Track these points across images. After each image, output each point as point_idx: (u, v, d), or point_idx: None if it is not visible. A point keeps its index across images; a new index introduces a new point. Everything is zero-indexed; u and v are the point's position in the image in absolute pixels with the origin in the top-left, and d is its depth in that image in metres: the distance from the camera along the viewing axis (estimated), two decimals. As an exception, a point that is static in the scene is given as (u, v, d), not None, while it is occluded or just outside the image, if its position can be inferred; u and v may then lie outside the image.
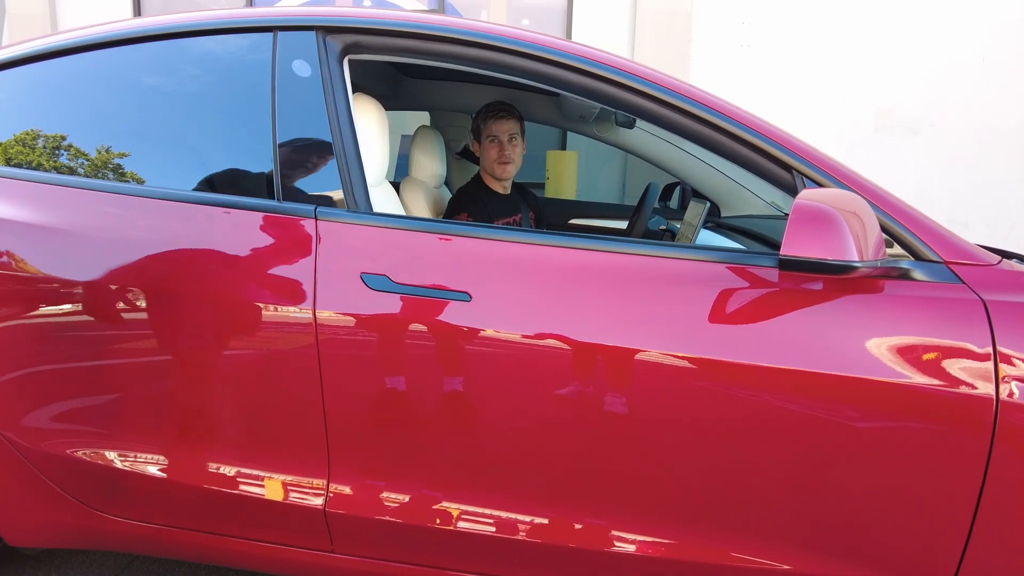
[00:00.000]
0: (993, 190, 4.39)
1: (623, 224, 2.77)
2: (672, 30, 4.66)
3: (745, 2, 4.58)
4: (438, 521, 1.29)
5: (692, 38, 4.62)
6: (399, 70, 2.46)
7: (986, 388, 1.12)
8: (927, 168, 4.39)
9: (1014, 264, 1.26)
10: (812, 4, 4.49)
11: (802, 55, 4.50)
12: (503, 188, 2.21)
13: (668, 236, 2.26)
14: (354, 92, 1.68)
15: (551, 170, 4.31)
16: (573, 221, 2.87)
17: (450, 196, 2.32)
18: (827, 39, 4.47)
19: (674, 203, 2.82)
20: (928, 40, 4.38)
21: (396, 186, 2.23)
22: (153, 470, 1.36)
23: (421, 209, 2.13)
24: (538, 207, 2.45)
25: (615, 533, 1.25)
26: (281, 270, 1.27)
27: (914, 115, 4.44)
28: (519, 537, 1.27)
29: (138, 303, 1.31)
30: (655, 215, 2.34)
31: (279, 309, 1.27)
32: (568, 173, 4.30)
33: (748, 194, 2.40)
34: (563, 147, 4.90)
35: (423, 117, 2.93)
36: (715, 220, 2.46)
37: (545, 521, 1.27)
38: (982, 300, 1.15)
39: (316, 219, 1.29)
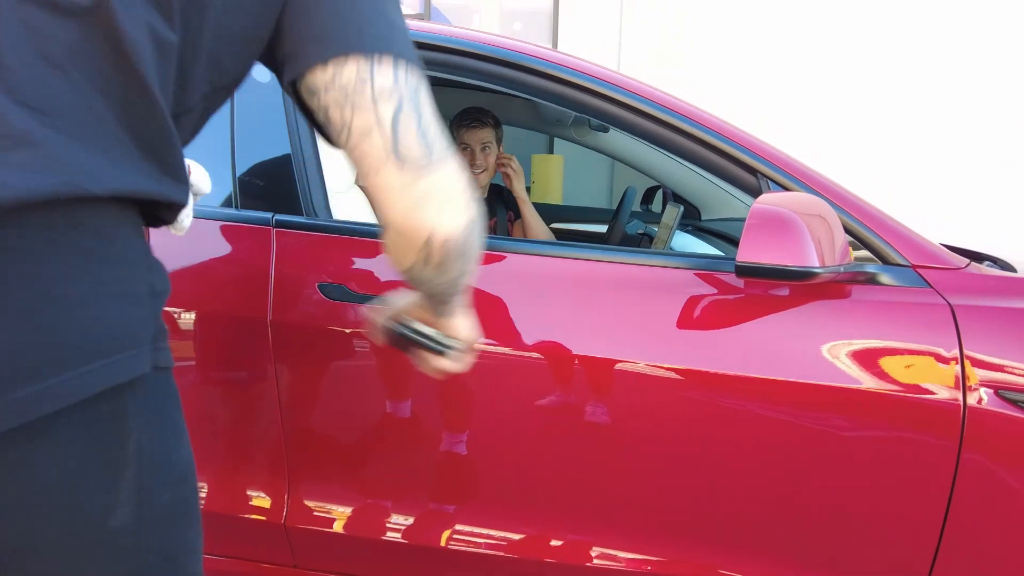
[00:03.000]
0: (981, 190, 4.39)
1: (605, 228, 2.75)
2: (659, 34, 4.65)
3: (732, 5, 4.57)
4: (404, 535, 1.27)
5: (679, 41, 4.61)
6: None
7: (953, 394, 1.10)
8: (916, 168, 4.39)
9: (982, 267, 1.25)
10: (798, 7, 4.48)
11: (789, 57, 4.49)
12: (478, 193, 2.20)
13: (647, 240, 2.24)
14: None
15: (537, 174, 4.30)
16: (555, 225, 2.85)
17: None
18: (814, 41, 4.47)
19: (656, 206, 2.80)
20: (915, 40, 4.38)
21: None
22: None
23: (396, 215, 2.11)
24: (517, 206, 2.42)
25: (596, 549, 1.22)
26: (237, 280, 1.25)
27: (902, 115, 4.43)
28: (491, 552, 1.24)
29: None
30: (634, 219, 2.32)
31: (234, 320, 1.24)
32: (554, 177, 4.28)
33: (728, 197, 2.38)
34: (550, 151, 4.88)
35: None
36: (694, 223, 2.44)
37: (519, 537, 1.24)
38: (949, 304, 1.14)
39: (273, 227, 1.26)
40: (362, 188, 0.65)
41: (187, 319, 1.26)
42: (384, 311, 0.84)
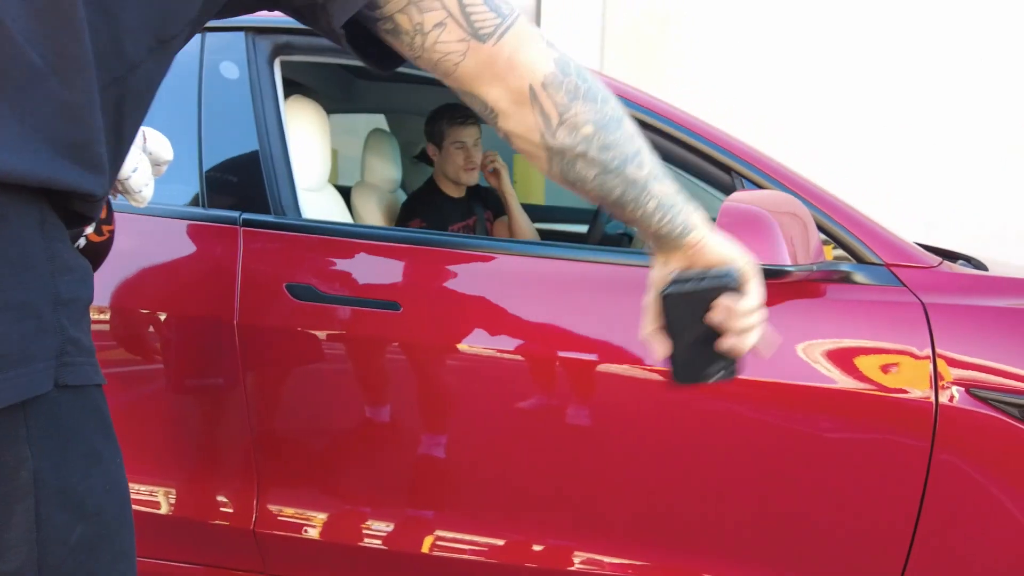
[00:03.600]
0: (961, 190, 4.43)
1: (586, 228, 2.74)
2: (642, 33, 4.65)
3: (717, 5, 4.58)
4: (375, 540, 1.25)
5: (662, 41, 4.61)
6: (352, 72, 2.41)
7: (926, 393, 1.09)
8: (897, 168, 4.42)
9: (954, 266, 1.25)
10: (782, 8, 4.50)
11: (773, 58, 4.51)
12: (458, 192, 2.17)
13: (627, 240, 2.23)
14: (302, 94, 1.63)
15: (519, 174, 4.28)
16: (537, 225, 2.83)
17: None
18: (798, 43, 4.48)
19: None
20: (897, 41, 4.41)
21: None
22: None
23: (373, 215, 2.08)
24: (496, 204, 2.40)
25: (578, 554, 1.21)
26: (204, 280, 1.22)
27: (884, 117, 4.46)
28: (469, 558, 1.22)
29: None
30: (612, 219, 2.31)
31: (200, 321, 1.21)
32: (536, 177, 4.26)
33: (709, 197, 2.38)
34: (533, 150, 4.87)
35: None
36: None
37: (499, 542, 1.22)
38: (922, 303, 1.13)
39: (241, 227, 1.24)
40: (453, 87, 0.63)
41: (152, 321, 1.23)
42: (649, 303, 0.73)
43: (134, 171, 0.82)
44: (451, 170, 2.10)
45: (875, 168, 4.36)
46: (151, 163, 0.86)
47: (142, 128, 0.85)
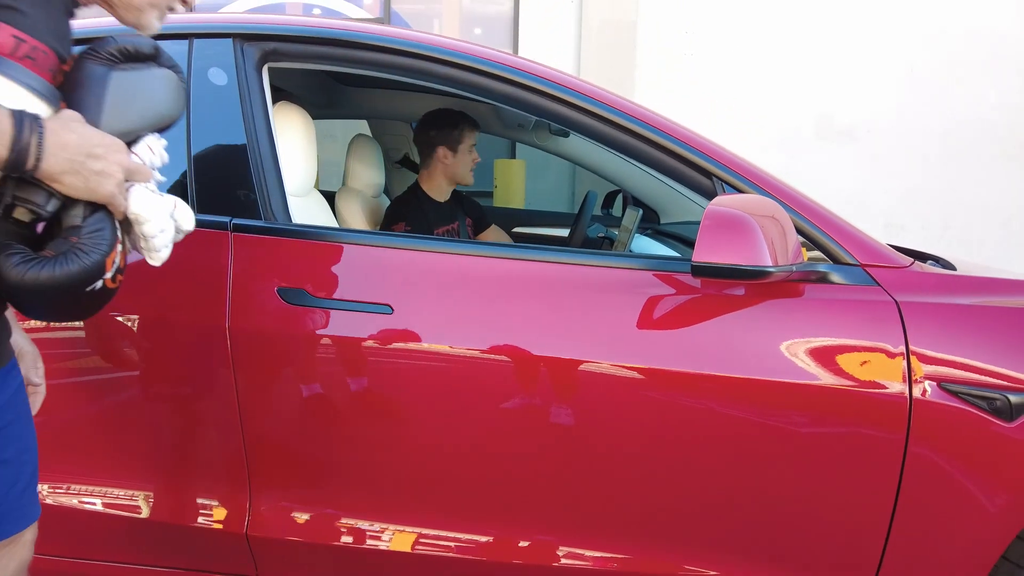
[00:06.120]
0: (926, 193, 4.55)
1: (567, 232, 2.77)
2: (617, 39, 4.71)
3: (688, 11, 4.65)
4: (368, 542, 1.26)
5: (637, 47, 4.68)
6: (336, 79, 2.42)
7: (900, 388, 1.14)
8: (866, 173, 4.52)
9: (925, 266, 1.30)
10: (753, 15, 4.59)
11: (744, 64, 4.59)
12: (443, 197, 2.19)
13: (607, 243, 2.27)
14: (287, 101, 1.64)
15: (499, 179, 4.31)
16: (517, 229, 2.86)
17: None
18: (768, 48, 4.58)
19: (617, 210, 2.84)
20: (861, 50, 4.52)
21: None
22: (55, 497, 1.29)
23: (357, 219, 2.09)
24: (478, 212, 2.43)
25: (562, 549, 1.23)
26: (194, 285, 1.23)
27: (851, 122, 4.56)
28: (458, 556, 1.24)
29: (39, 322, 1.24)
30: (595, 223, 2.35)
31: (192, 326, 1.22)
32: (516, 182, 4.29)
33: (686, 200, 2.42)
34: (512, 155, 4.90)
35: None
36: (654, 227, 2.48)
37: (486, 539, 1.24)
38: (896, 302, 1.18)
39: (231, 232, 1.25)
40: None
41: (143, 326, 1.23)
42: None
43: (161, 231, 0.86)
44: (461, 171, 2.17)
45: (821, 174, 4.45)
46: (174, 229, 0.90)
47: (174, 197, 0.92)
